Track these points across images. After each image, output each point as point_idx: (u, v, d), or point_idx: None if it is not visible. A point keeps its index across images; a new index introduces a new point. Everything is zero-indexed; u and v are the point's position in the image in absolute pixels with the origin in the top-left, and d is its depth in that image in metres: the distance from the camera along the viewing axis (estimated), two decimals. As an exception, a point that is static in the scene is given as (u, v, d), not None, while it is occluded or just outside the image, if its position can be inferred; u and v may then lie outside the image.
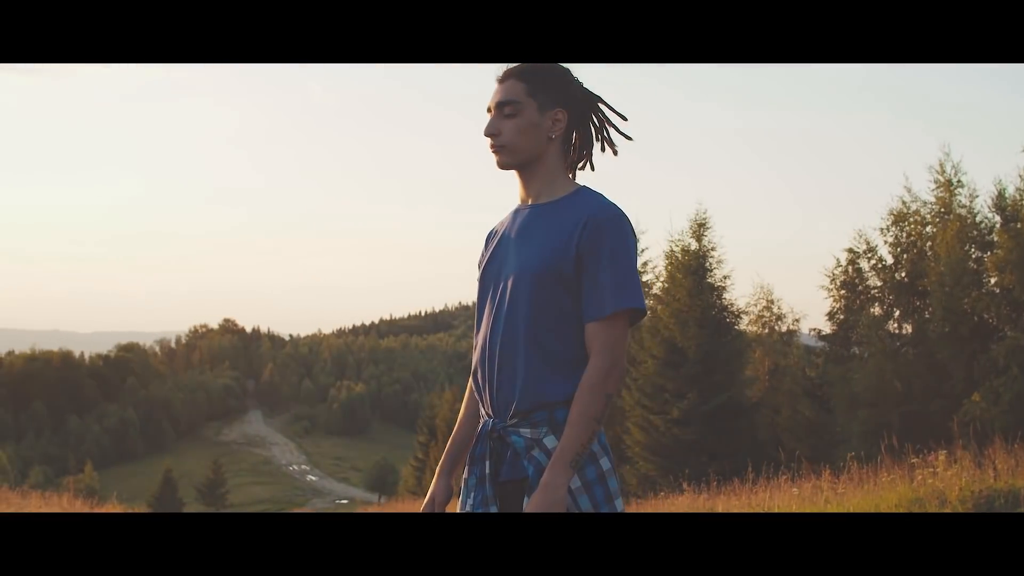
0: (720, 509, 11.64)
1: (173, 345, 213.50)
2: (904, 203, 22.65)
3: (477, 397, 3.02)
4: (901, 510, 8.75)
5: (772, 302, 29.94)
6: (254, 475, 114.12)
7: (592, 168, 3.12)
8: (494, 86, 3.02)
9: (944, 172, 21.35)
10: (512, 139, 2.94)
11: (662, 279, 28.13)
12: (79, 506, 17.42)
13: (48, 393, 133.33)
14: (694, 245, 26.18)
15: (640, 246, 30.29)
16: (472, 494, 2.92)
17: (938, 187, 21.54)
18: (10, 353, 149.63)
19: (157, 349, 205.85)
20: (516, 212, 3.07)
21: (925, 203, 22.21)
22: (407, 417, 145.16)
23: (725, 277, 26.00)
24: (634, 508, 16.03)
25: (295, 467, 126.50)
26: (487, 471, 2.87)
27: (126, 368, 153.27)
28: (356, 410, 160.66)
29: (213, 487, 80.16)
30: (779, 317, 29.82)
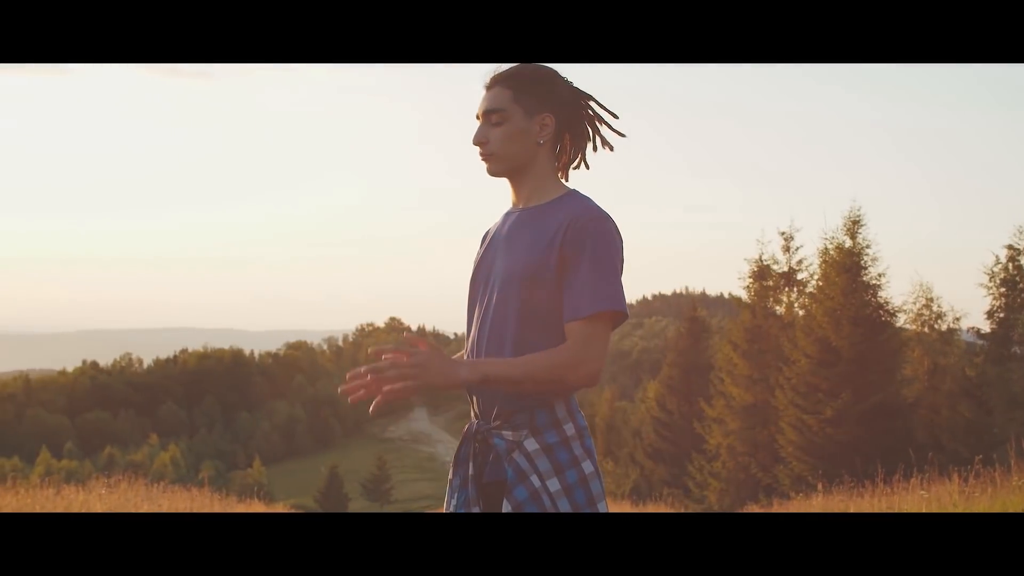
0: (852, 510, 11.49)
1: (340, 343, 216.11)
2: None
3: (467, 399, 3.03)
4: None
5: (931, 300, 29.23)
6: (418, 471, 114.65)
7: (587, 167, 3.12)
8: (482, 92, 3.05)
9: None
10: (500, 147, 2.96)
11: (816, 278, 27.79)
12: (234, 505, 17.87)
13: (219, 390, 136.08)
14: (848, 243, 25.81)
15: (794, 244, 29.93)
16: (456, 495, 2.97)
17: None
18: (184, 351, 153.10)
19: (325, 347, 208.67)
20: (507, 215, 3.09)
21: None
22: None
23: (880, 275, 25.58)
24: (775, 509, 15.89)
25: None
26: (471, 472, 2.91)
27: (295, 366, 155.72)
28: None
29: (378, 483, 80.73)
30: (939, 315, 29.10)
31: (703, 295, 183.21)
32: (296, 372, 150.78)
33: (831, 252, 26.09)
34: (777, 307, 30.38)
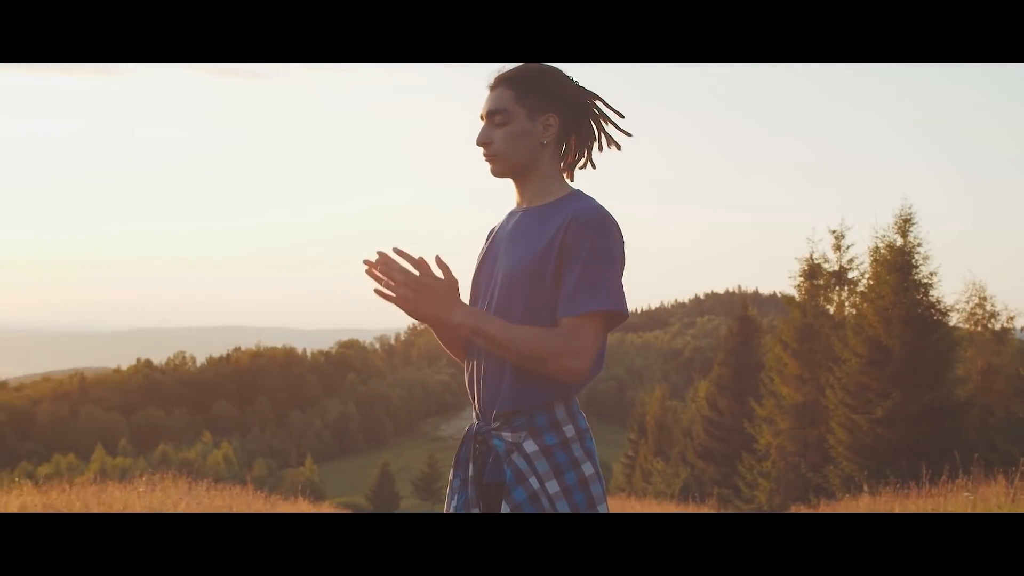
0: (897, 511, 11.37)
1: (392, 342, 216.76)
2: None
3: (470, 399, 3.02)
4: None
5: (984, 299, 28.96)
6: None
7: (593, 167, 3.09)
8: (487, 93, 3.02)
9: None
10: (503, 148, 2.94)
11: (867, 276, 27.60)
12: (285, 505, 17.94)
13: (272, 388, 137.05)
14: (899, 241, 25.58)
15: (845, 242, 29.72)
16: (456, 496, 2.94)
17: None
18: (237, 349, 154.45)
19: (377, 346, 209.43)
20: (511, 215, 3.08)
21: None
22: (622, 414, 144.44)
23: (932, 273, 25.30)
24: (821, 509, 15.78)
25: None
26: (471, 474, 2.89)
27: (347, 364, 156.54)
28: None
29: (429, 482, 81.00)
30: (992, 315, 28.83)
31: (755, 294, 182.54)
32: (348, 371, 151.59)
33: (882, 250, 25.89)
34: (828, 306, 30.19)
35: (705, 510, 25.49)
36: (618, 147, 3.08)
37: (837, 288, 30.04)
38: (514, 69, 2.98)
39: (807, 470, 27.51)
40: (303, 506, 18.05)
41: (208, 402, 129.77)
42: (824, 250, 30.69)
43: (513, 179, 3.03)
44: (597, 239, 2.77)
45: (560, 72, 3.00)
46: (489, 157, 2.98)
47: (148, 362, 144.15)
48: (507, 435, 2.84)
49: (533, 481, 2.77)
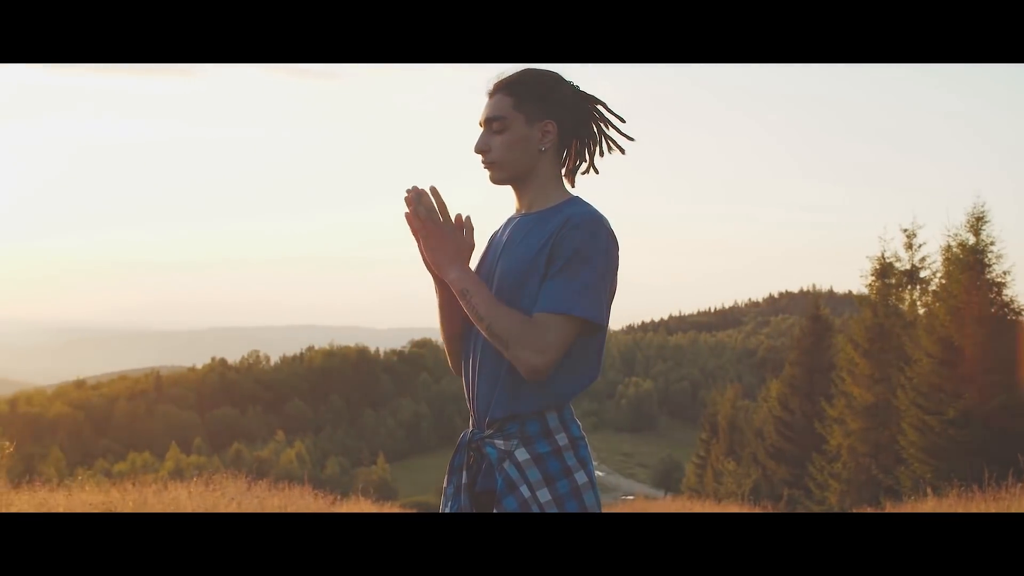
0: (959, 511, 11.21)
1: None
2: None
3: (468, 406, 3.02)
4: None
5: (1062, 298, 28.52)
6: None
7: (596, 172, 3.08)
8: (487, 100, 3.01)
9: None
10: (502, 155, 2.93)
11: (939, 275, 27.29)
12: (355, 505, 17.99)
13: (345, 387, 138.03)
14: (971, 240, 25.24)
15: (917, 241, 29.41)
16: (450, 503, 2.94)
17: None
18: (310, 349, 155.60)
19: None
20: (509, 220, 3.07)
21: None
22: (695, 414, 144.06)
23: (1005, 272, 24.94)
24: (888, 510, 15.60)
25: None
26: (464, 481, 2.89)
27: (420, 364, 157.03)
28: (644, 406, 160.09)
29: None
30: (1069, 314, 28.40)
31: (830, 293, 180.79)
32: (421, 370, 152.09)
33: (954, 249, 25.56)
34: (900, 305, 29.90)
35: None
36: (622, 151, 3.08)
37: (909, 287, 29.81)
38: (513, 75, 2.97)
39: (878, 471, 27.26)
40: (364, 506, 18.08)
41: (281, 401, 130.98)
42: (896, 249, 30.45)
43: (512, 185, 3.02)
44: (583, 243, 2.75)
45: (559, 77, 2.99)
46: (487, 164, 2.97)
47: (223, 361, 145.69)
48: (500, 443, 2.83)
49: (524, 490, 2.76)
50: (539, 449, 2.80)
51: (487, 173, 2.99)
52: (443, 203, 2.88)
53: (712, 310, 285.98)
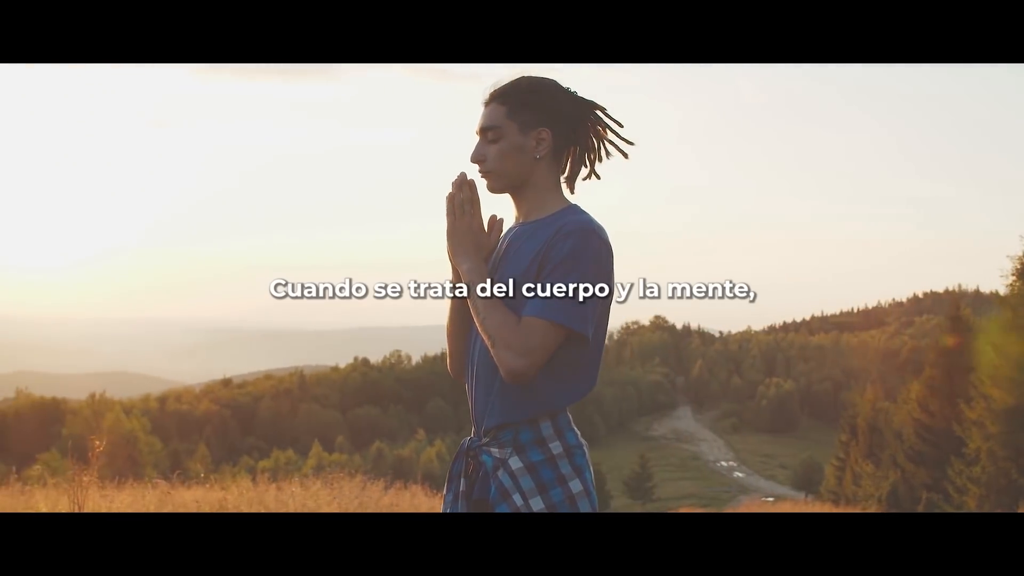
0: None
1: (606, 341, 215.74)
2: None
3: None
4: None
5: None
6: (681, 470, 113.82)
7: (598, 177, 3.07)
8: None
9: None
10: (497, 165, 2.95)
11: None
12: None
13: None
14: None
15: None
16: (448, 511, 2.99)
17: None
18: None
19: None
20: (508, 230, 3.07)
21: None
22: (837, 415, 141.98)
23: None
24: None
25: (722, 463, 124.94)
26: (462, 489, 2.94)
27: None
28: (785, 407, 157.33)
29: (640, 481, 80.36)
30: None
31: (976, 293, 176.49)
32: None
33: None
34: (1041, 305, 29.24)
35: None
36: (624, 155, 3.07)
37: (1051, 287, 29.12)
38: (507, 84, 2.97)
39: (1018, 475, 26.76)
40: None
41: (423, 400, 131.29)
42: (1039, 247, 29.74)
43: (510, 194, 3.03)
44: (574, 251, 2.78)
45: (555, 84, 2.99)
46: (484, 174, 2.98)
47: (365, 360, 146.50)
48: (495, 451, 2.87)
49: (517, 498, 2.79)
50: (532, 458, 2.83)
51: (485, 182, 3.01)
52: (477, 198, 2.94)
53: (855, 310, 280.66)
